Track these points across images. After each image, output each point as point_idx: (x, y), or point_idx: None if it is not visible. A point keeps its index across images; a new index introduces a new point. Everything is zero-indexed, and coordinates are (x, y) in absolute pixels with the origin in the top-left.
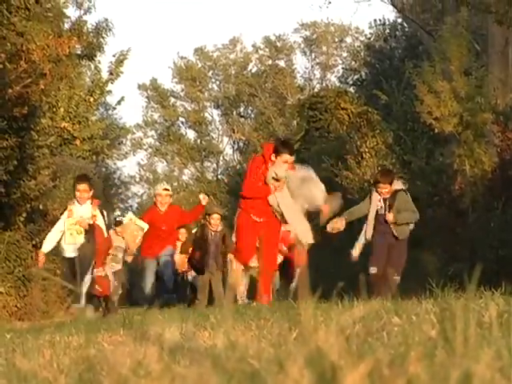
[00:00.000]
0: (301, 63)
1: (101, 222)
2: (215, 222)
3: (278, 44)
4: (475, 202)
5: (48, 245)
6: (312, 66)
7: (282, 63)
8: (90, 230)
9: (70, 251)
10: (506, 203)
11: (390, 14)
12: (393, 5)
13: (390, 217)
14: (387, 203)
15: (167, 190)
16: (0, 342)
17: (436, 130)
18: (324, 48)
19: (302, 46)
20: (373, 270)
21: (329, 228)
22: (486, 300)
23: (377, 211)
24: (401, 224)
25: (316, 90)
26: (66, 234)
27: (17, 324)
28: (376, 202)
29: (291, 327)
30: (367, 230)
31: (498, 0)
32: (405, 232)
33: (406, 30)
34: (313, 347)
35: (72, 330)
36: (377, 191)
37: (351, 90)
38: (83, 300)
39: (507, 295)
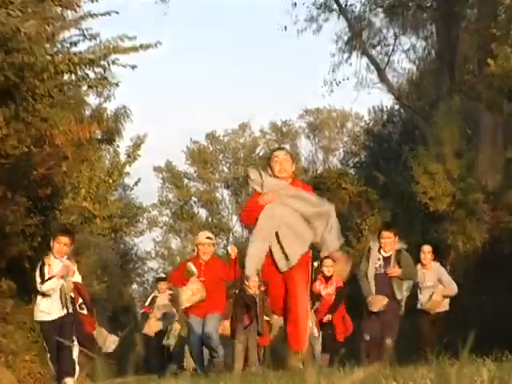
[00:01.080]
0: (305, 147)
1: (79, 279)
2: (254, 285)
3: (284, 129)
4: (467, 275)
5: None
6: (315, 150)
7: (287, 147)
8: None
9: (46, 315)
10: (497, 276)
11: (387, 101)
12: (390, 92)
13: (394, 271)
14: (391, 260)
15: (210, 238)
16: None
17: (431, 209)
18: (326, 133)
19: (306, 131)
20: (366, 337)
21: (375, 308)
22: (478, 366)
23: (376, 271)
24: (401, 281)
25: (319, 171)
26: (47, 300)
27: None
28: (375, 260)
29: None
30: (370, 288)
31: (487, 88)
32: (401, 291)
33: (403, 115)
34: None
35: None
36: (379, 244)
37: (352, 171)
38: (77, 370)
39: (498, 361)
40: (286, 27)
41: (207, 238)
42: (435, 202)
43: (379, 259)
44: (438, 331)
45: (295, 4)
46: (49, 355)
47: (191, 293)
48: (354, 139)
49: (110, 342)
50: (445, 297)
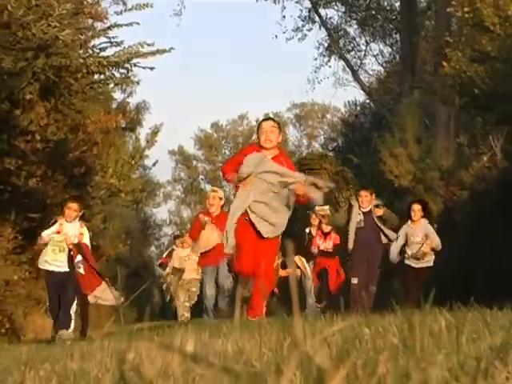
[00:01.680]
0: (292, 134)
1: (87, 241)
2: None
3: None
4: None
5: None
6: (301, 136)
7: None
8: (70, 258)
9: (50, 266)
10: (451, 239)
11: (360, 97)
12: (362, 89)
13: (378, 211)
14: (371, 218)
15: (215, 191)
16: (63, 348)
17: (395, 185)
18: (310, 122)
19: (294, 120)
20: (354, 280)
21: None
22: (436, 315)
23: (357, 225)
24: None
25: (304, 154)
26: (48, 249)
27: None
28: (356, 215)
29: (285, 336)
30: (349, 242)
31: (442, 85)
32: (388, 231)
33: (373, 108)
34: (302, 353)
35: (117, 338)
36: (358, 202)
37: (331, 154)
38: (72, 325)
39: (452, 311)
40: (276, 35)
41: (213, 191)
42: (399, 179)
43: (360, 214)
44: (421, 285)
45: (284, 17)
46: (48, 304)
47: (207, 236)
48: (333, 128)
49: (111, 296)
50: (432, 249)
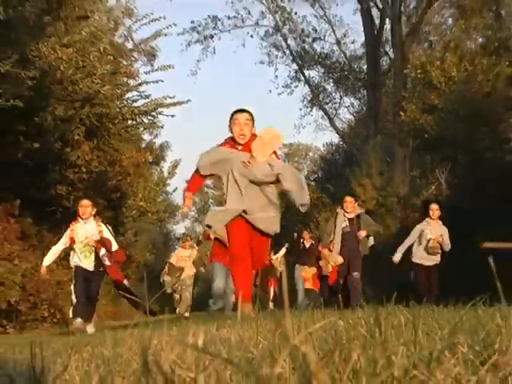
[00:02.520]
0: None
1: (108, 235)
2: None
3: None
4: (385, 251)
5: (48, 260)
6: None
7: None
8: (97, 256)
9: (80, 263)
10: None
11: (335, 139)
12: (337, 133)
13: (362, 233)
14: (354, 223)
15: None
16: (100, 335)
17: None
18: (296, 159)
19: (283, 157)
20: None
21: (331, 260)
22: (396, 312)
23: (343, 231)
24: (368, 237)
25: None
26: (79, 256)
27: (111, 323)
28: (341, 223)
29: (277, 327)
30: (335, 248)
31: (399, 131)
32: (366, 248)
33: (345, 148)
34: (291, 344)
35: (144, 327)
36: (342, 208)
37: (312, 183)
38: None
39: (409, 308)
40: (270, 90)
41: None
42: (366, 204)
43: (345, 220)
44: (435, 281)
45: (276, 76)
46: (74, 293)
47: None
48: (314, 163)
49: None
50: (440, 246)
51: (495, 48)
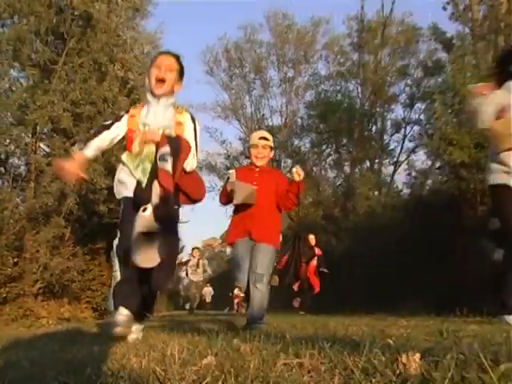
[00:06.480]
0: None
1: (190, 137)
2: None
3: None
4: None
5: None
6: None
7: None
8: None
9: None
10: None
11: None
12: None
13: None
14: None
15: (266, 139)
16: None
17: None
18: None
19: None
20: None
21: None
22: (361, 320)
23: None
24: None
25: None
26: (131, 169)
27: None
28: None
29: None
30: None
31: None
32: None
33: None
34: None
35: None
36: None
37: None
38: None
39: (373, 317)
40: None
41: (261, 138)
42: None
43: None
44: None
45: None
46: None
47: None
48: None
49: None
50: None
51: None
